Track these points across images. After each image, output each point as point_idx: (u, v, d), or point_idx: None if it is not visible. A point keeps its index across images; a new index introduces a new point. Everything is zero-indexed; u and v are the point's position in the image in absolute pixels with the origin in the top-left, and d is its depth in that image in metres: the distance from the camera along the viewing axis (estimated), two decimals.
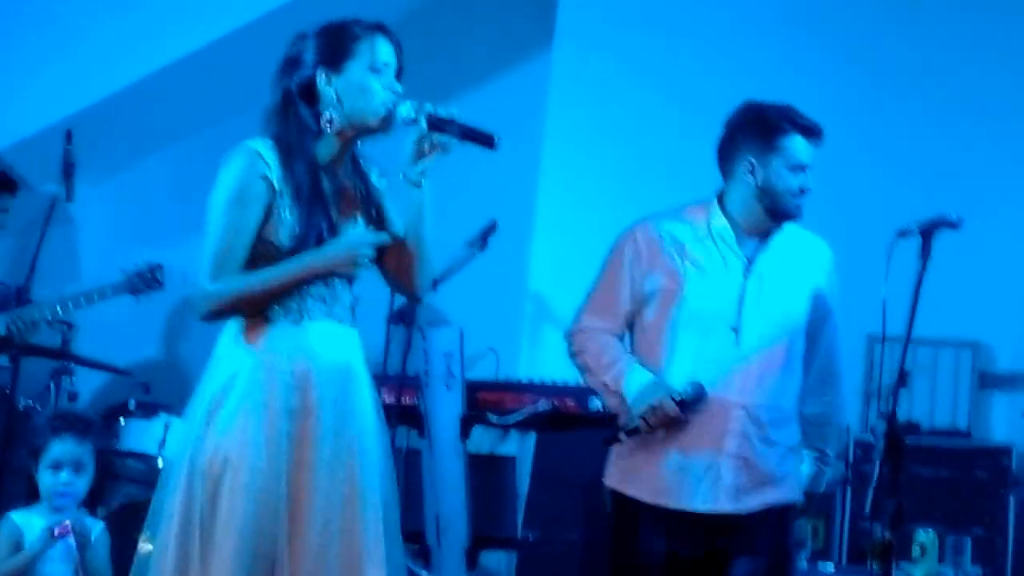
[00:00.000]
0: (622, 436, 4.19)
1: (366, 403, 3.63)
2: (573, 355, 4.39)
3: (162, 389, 6.54)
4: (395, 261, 3.70)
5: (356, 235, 3.59)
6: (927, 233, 4.07)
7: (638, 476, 4.27)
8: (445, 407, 5.81)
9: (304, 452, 3.48)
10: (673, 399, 4.12)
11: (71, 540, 4.74)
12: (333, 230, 3.57)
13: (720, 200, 4.33)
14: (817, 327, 4.36)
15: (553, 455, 6.02)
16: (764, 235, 4.30)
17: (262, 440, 3.45)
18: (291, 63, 3.67)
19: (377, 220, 3.69)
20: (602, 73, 6.94)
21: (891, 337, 4.07)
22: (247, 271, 3.52)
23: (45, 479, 4.82)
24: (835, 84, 6.61)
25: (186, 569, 3.42)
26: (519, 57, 7.36)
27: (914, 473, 6.06)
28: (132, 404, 6.23)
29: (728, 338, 4.22)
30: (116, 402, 6.39)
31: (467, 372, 6.04)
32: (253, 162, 3.55)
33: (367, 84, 3.59)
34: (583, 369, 4.38)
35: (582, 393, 5.89)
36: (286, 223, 3.53)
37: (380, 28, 3.65)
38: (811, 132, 4.24)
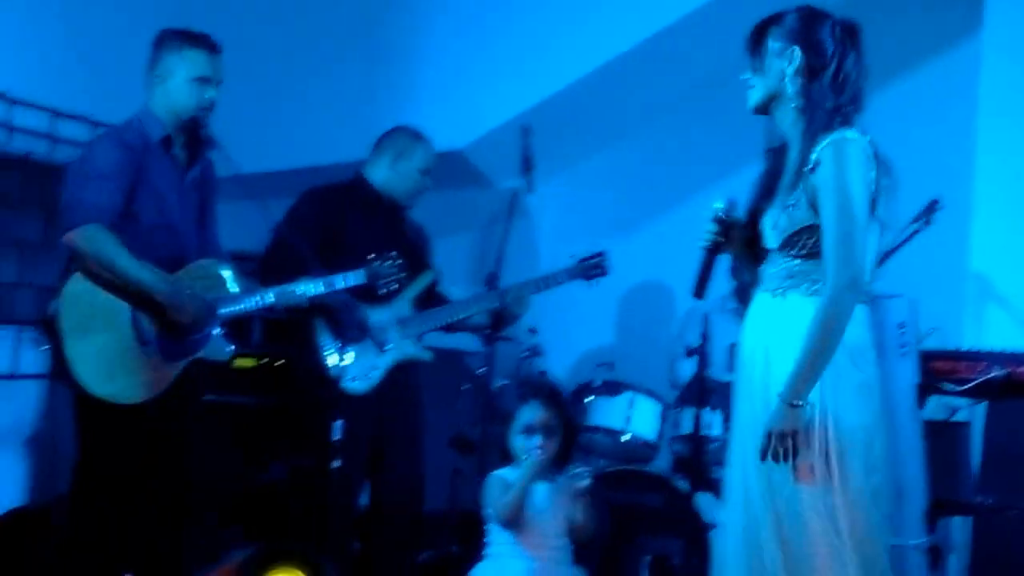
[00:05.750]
0: None
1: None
2: None
3: (624, 367, 7.01)
4: None
5: None
6: None
7: None
8: (900, 376, 5.95)
9: None
10: None
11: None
12: None
13: None
14: None
15: (1006, 423, 6.15)
16: None
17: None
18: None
19: None
20: None
21: None
22: None
23: (517, 443, 5.23)
24: None
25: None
26: (949, 41, 7.51)
27: None
28: (598, 382, 6.74)
29: None
30: (583, 381, 6.89)
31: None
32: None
33: None
34: None
35: None
36: None
37: None
38: None
